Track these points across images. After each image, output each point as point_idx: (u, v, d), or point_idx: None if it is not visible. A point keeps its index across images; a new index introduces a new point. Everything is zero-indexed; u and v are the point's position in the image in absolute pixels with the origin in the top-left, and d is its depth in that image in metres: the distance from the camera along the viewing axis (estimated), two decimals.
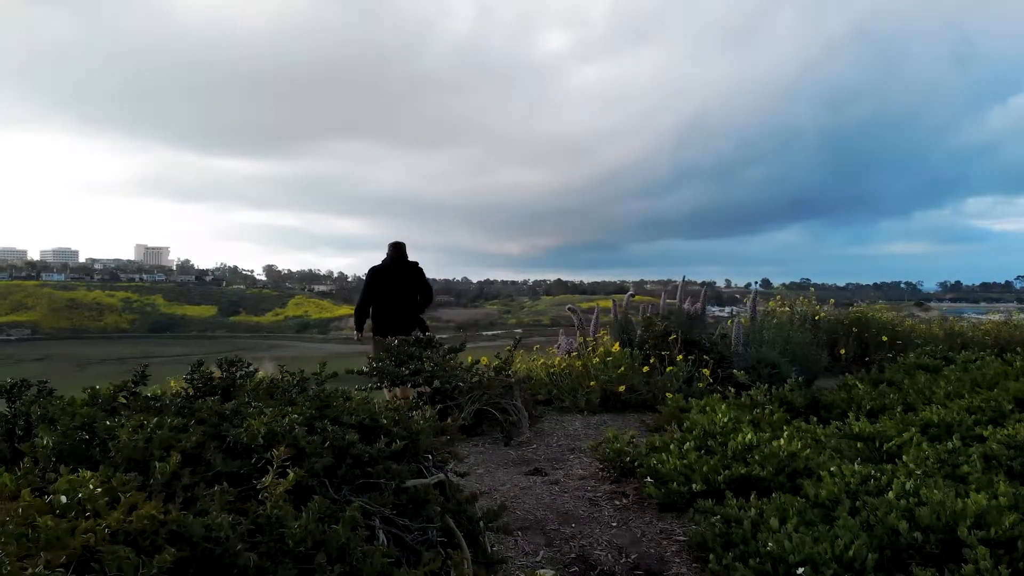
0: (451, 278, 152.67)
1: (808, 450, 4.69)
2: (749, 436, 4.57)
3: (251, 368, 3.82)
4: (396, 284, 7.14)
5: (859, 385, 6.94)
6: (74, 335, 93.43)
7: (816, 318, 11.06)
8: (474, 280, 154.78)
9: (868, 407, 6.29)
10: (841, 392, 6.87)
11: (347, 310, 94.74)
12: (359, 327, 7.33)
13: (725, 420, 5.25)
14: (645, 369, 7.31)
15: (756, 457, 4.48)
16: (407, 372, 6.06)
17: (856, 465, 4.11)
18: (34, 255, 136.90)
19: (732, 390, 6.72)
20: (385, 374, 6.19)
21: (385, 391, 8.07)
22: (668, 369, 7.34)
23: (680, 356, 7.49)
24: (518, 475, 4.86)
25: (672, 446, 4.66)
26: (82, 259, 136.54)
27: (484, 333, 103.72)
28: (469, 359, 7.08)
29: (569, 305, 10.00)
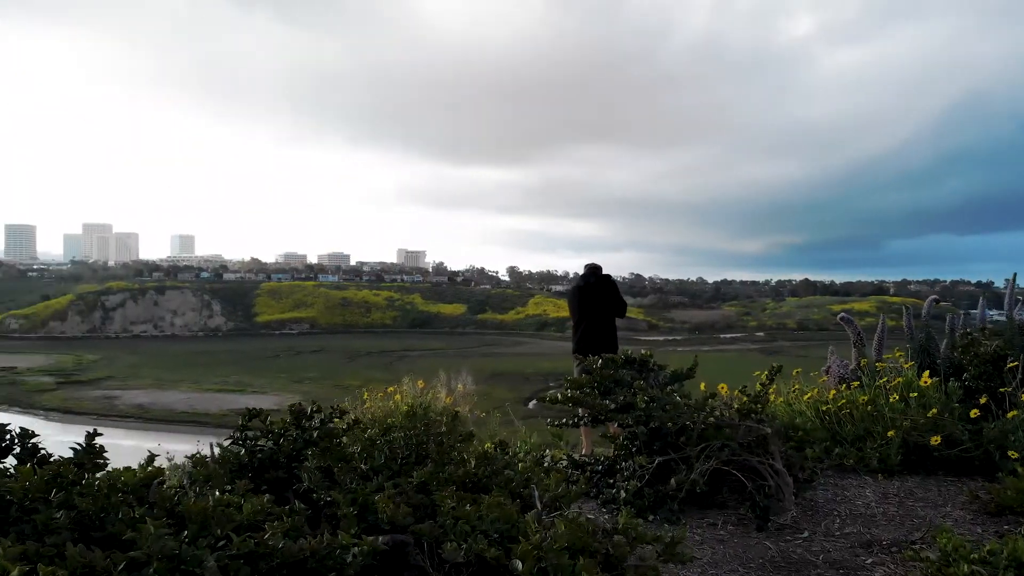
0: (685, 278, 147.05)
1: None
2: None
3: (334, 416, 2.42)
4: (591, 300, 7.00)
5: None
6: (345, 330, 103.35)
7: None
8: (710, 280, 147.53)
9: None
10: None
11: None
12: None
13: None
14: (974, 413, 4.95)
15: None
16: (613, 406, 4.41)
17: None
18: (312, 259, 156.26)
19: None
20: (585, 406, 4.60)
21: (584, 437, 6.51)
22: (1011, 414, 4.90)
23: None
24: None
25: None
26: (352, 262, 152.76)
27: (721, 336, 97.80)
28: (702, 387, 5.25)
29: (842, 313, 7.68)
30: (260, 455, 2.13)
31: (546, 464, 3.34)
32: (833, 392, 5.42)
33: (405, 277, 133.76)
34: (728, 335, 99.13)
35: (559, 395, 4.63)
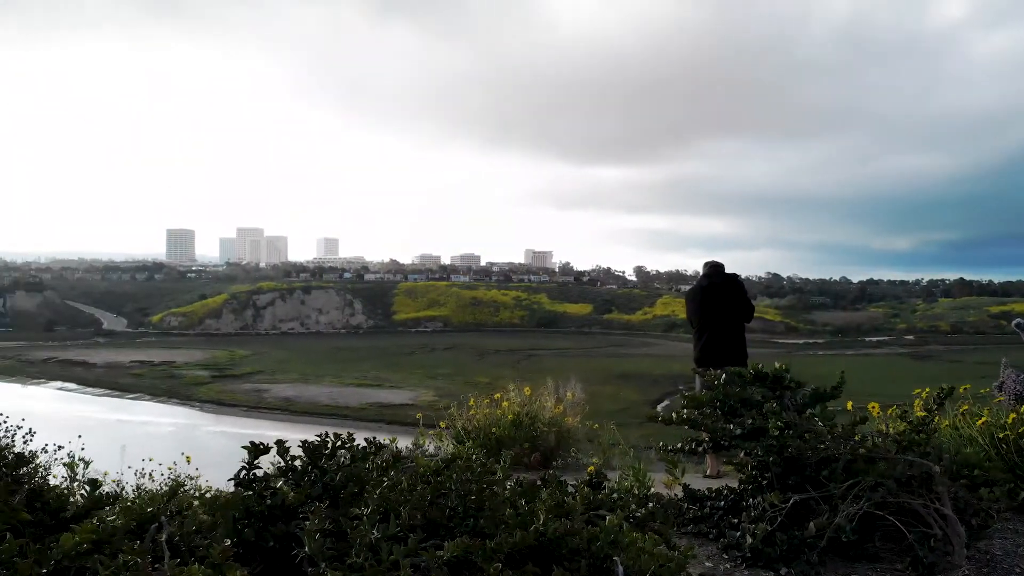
0: (827, 278, 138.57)
1: None
2: None
3: (369, 452, 1.97)
4: (715, 304, 6.31)
5: None
6: (476, 328, 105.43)
7: None
8: (854, 280, 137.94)
9: None
10: None
11: None
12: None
13: None
14: None
15: None
16: (739, 431, 3.76)
17: None
18: (446, 260, 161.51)
19: None
20: (705, 430, 3.97)
21: (708, 456, 5.81)
22: None
23: None
24: None
25: None
26: (482, 263, 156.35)
27: (867, 339, 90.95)
28: (849, 405, 4.47)
29: (1017, 320, 6.58)
30: (271, 500, 1.74)
31: (651, 505, 2.77)
32: (1013, 415, 4.45)
33: (532, 277, 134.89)
34: (874, 338, 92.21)
35: (674, 416, 4.03)
